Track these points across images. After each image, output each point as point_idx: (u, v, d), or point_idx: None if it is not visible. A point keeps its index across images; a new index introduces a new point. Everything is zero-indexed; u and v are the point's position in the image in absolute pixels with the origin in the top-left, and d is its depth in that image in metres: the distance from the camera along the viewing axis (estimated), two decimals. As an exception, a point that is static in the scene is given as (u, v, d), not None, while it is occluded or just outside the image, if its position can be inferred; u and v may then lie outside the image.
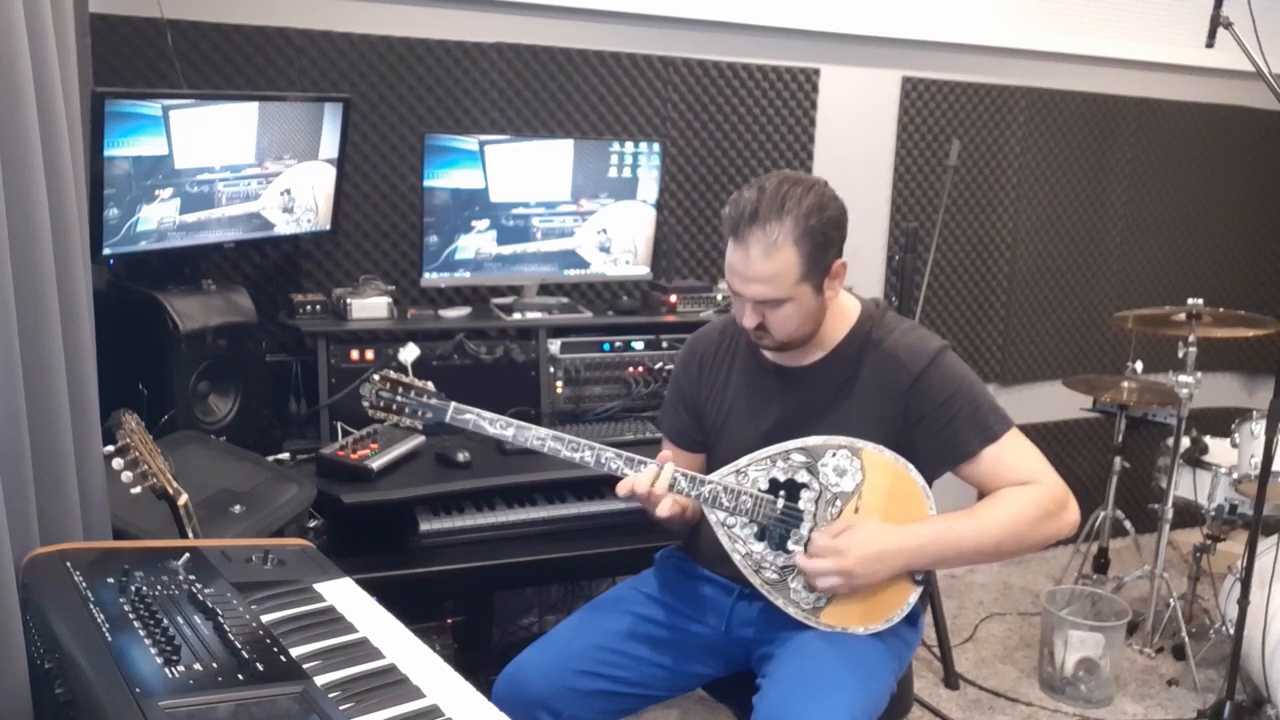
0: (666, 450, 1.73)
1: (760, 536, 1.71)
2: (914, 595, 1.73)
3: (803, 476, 1.70)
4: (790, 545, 1.70)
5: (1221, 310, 3.16)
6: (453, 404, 1.74)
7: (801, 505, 1.70)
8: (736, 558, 1.72)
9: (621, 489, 1.67)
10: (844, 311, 1.80)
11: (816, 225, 1.62)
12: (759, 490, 1.70)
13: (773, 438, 1.76)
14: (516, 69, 2.86)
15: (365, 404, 1.77)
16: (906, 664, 1.84)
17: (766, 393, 1.83)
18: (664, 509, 1.66)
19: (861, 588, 1.68)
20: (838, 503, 1.70)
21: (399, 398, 1.76)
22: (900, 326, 1.78)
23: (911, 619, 1.78)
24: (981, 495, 1.73)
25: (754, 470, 1.71)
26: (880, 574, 1.67)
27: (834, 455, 1.70)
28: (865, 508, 1.69)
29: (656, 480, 1.66)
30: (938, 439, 1.71)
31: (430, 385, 1.78)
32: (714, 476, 1.71)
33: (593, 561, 2.37)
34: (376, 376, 1.77)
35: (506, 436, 1.72)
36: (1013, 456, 1.71)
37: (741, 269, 1.64)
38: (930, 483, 1.75)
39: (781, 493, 1.70)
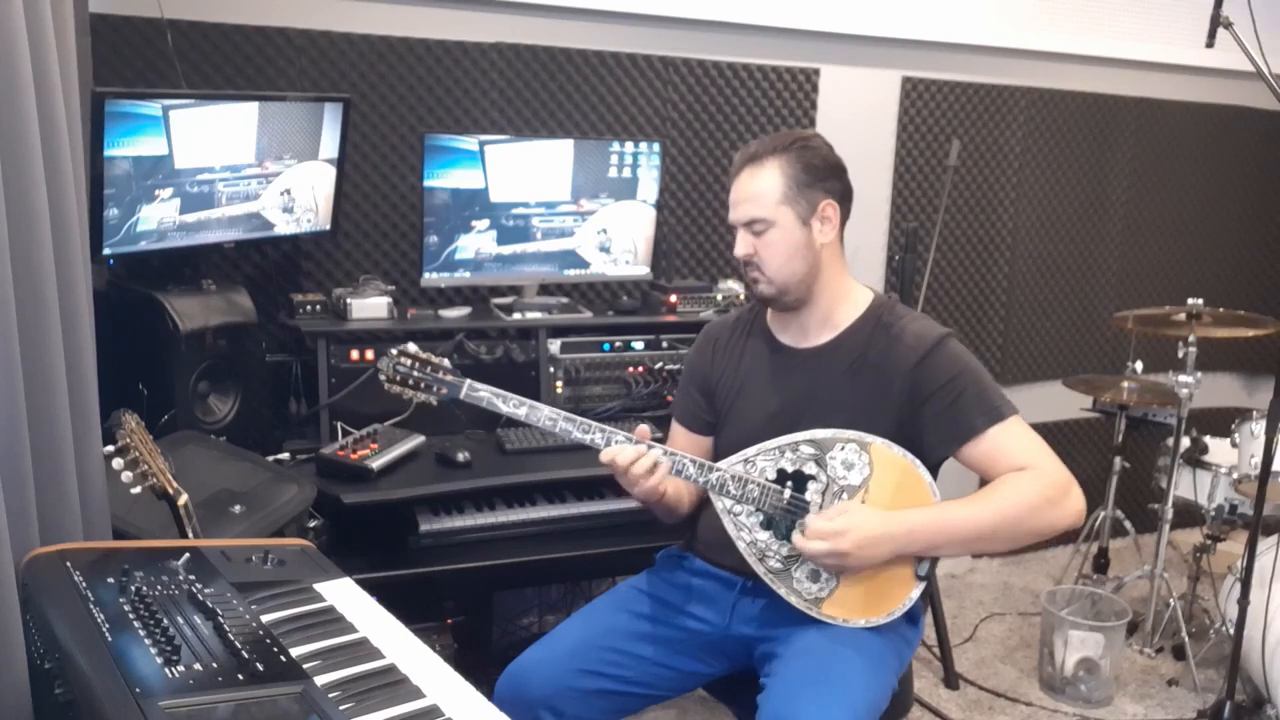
0: (643, 426, 1.74)
1: (766, 525, 1.72)
2: (916, 590, 1.74)
3: (810, 468, 1.71)
4: (794, 535, 1.70)
5: (1221, 310, 3.16)
6: (468, 381, 1.76)
7: (808, 496, 1.71)
8: (741, 545, 1.73)
9: (604, 456, 1.70)
10: (855, 297, 1.85)
11: (802, 152, 1.76)
12: (766, 480, 1.71)
13: (781, 417, 1.79)
14: (516, 69, 2.86)
15: (382, 377, 1.78)
16: (907, 663, 1.84)
17: (777, 373, 1.86)
18: (652, 480, 1.68)
19: (854, 569, 1.69)
20: (844, 495, 1.71)
21: (415, 372, 1.77)
22: (909, 314, 1.84)
23: (912, 618, 1.79)
24: (983, 483, 1.74)
25: (762, 460, 1.72)
26: (875, 558, 1.67)
27: (843, 449, 1.71)
28: (871, 502, 1.70)
29: (637, 462, 1.67)
30: (944, 418, 1.72)
31: (446, 362, 1.79)
32: (722, 465, 1.73)
33: (593, 561, 2.37)
34: (394, 350, 1.78)
35: (519, 415, 1.73)
36: (1016, 440, 1.72)
37: (733, 195, 1.81)
38: (937, 467, 1.76)
39: (789, 483, 1.71)
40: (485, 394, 1.75)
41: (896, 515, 1.68)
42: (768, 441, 1.73)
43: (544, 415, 1.73)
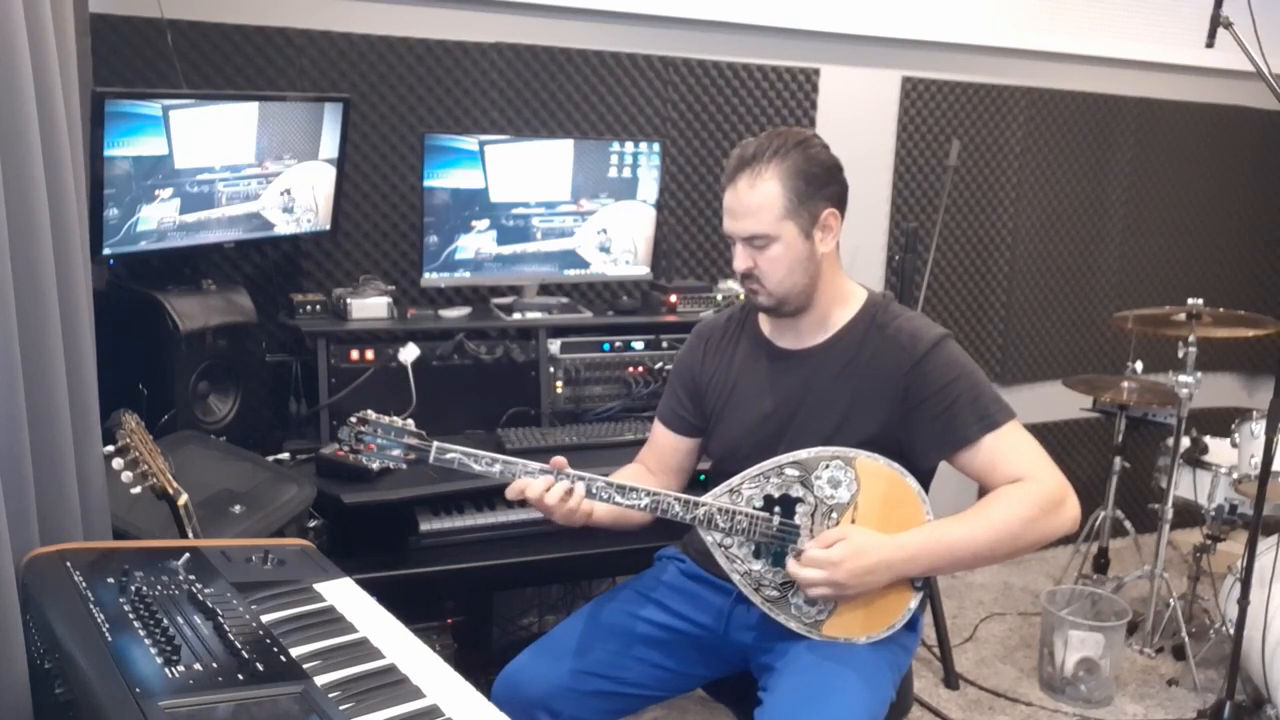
0: (559, 458, 1.68)
1: (758, 554, 1.69)
2: (914, 601, 1.71)
3: (797, 490, 1.68)
4: (788, 561, 1.68)
5: (1221, 310, 3.16)
6: (435, 444, 1.66)
7: (797, 520, 1.69)
8: (735, 577, 1.71)
9: (511, 492, 1.65)
10: (850, 297, 1.82)
11: (801, 161, 1.69)
12: (754, 508, 1.69)
13: (774, 418, 1.78)
14: (516, 69, 2.86)
15: (344, 448, 1.70)
16: (906, 668, 1.83)
17: (770, 374, 1.83)
18: (569, 505, 1.64)
19: (853, 597, 1.67)
20: (834, 515, 1.68)
21: (380, 439, 1.68)
22: (905, 314, 1.79)
23: (911, 624, 1.77)
24: (980, 488, 1.72)
25: (748, 488, 1.70)
26: (871, 585, 1.66)
27: (827, 467, 1.68)
28: (861, 518, 1.68)
29: (552, 491, 1.63)
30: (938, 424, 1.69)
31: (411, 424, 1.68)
32: (707, 498, 1.70)
33: (593, 561, 2.36)
34: (353, 418, 1.69)
35: (493, 474, 1.66)
36: (1011, 448, 1.69)
37: (731, 206, 1.73)
38: (930, 473, 1.75)
39: (776, 509, 1.69)
40: (455, 455, 1.64)
41: (894, 541, 1.65)
42: (751, 469, 1.70)
43: (520, 470, 1.66)
